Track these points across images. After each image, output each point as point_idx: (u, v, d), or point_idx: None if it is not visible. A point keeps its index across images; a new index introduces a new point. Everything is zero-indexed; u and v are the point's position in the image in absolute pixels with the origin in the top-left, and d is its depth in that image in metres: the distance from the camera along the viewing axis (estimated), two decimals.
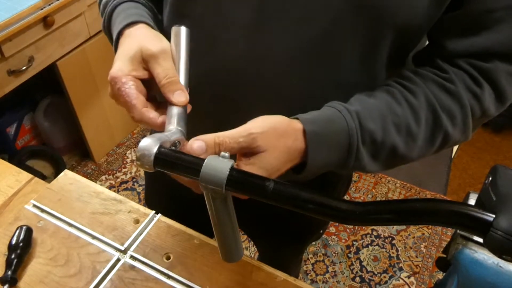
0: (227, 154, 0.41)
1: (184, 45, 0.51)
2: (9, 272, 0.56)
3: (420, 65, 0.56)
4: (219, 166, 0.40)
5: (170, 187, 0.81)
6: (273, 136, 0.45)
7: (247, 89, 0.55)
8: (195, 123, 0.53)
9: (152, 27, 0.54)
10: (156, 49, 0.48)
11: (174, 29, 0.51)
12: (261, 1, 0.49)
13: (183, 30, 0.51)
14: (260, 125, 0.45)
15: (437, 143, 0.52)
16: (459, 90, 0.50)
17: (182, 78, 0.50)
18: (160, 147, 0.42)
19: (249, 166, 0.44)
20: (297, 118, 0.48)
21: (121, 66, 0.48)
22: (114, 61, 0.49)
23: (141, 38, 0.50)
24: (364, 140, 0.49)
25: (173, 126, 0.46)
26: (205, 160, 0.40)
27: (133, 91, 0.47)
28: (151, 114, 0.47)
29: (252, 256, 1.69)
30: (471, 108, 0.50)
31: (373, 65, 0.54)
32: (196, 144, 0.43)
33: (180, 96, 0.47)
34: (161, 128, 0.48)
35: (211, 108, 0.59)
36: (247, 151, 0.45)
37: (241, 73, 0.54)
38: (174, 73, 0.48)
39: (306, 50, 0.51)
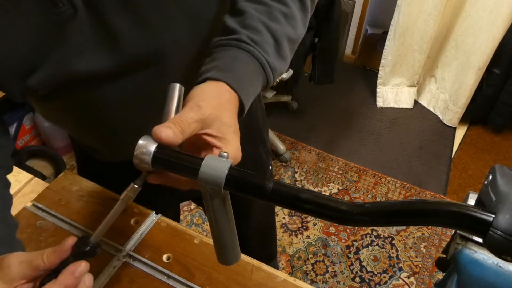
0: (225, 154, 0.41)
1: (176, 100, 0.48)
2: None
3: None
4: (218, 165, 0.40)
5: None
6: (213, 99, 0.46)
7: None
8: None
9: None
10: None
11: (169, 86, 0.49)
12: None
13: (177, 86, 0.49)
14: (198, 94, 0.47)
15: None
16: None
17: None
18: (159, 145, 0.42)
19: (221, 140, 0.45)
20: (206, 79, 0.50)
21: None
22: None
23: None
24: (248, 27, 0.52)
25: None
26: (204, 160, 0.40)
27: None
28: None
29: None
30: None
31: None
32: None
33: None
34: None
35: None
36: (202, 124, 0.45)
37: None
38: None
39: None
